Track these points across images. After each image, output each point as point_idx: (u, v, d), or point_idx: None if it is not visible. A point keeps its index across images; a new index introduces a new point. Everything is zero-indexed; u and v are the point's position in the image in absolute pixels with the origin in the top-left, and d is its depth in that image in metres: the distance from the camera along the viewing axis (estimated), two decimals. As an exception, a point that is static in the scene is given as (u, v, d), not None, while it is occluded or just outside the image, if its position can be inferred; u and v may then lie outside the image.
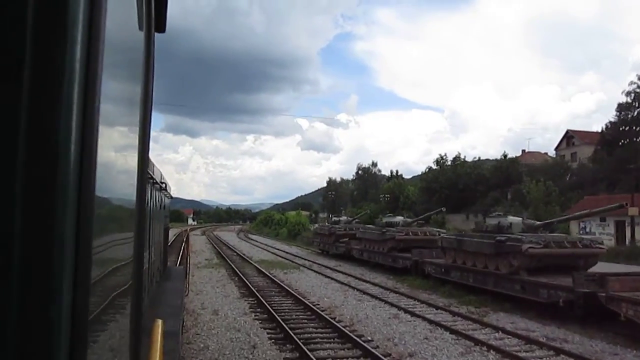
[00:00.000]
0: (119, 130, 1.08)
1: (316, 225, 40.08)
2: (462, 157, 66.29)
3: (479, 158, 64.72)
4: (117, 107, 1.03)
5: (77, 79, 0.67)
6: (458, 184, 62.67)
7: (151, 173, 6.66)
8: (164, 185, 8.51)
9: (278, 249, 41.90)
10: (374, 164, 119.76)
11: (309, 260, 31.14)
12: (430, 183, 64.81)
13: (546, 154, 77.45)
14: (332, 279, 22.75)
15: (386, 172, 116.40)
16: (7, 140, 0.62)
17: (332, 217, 36.35)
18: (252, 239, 60.58)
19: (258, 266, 26.75)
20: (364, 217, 40.71)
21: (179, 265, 19.23)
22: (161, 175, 8.19)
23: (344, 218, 36.13)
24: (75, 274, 0.67)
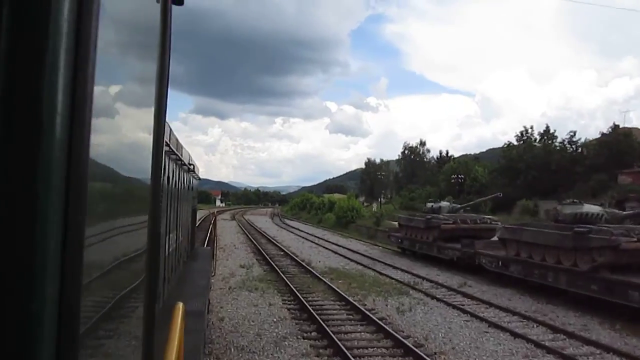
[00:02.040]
0: (126, 104, 0.98)
1: (400, 215, 28.15)
2: (552, 131, 53.14)
3: (574, 133, 51.61)
4: (123, 80, 0.95)
5: (65, 41, 0.59)
6: (550, 164, 49.90)
7: (179, 155, 6.53)
8: (192, 167, 8.51)
9: (336, 245, 30.55)
10: (422, 143, 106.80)
11: (405, 271, 19.64)
12: (512, 162, 52.07)
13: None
14: (488, 322, 11.26)
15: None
16: None
17: (427, 203, 24.22)
18: (292, 227, 49.43)
19: (331, 284, 15.52)
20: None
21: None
22: (189, 156, 8.26)
23: (445, 204, 24.44)
24: (63, 265, 0.60)
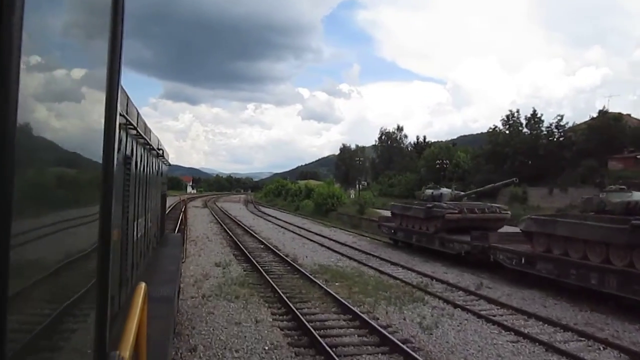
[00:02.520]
0: (69, 88, 0.95)
1: (393, 203, 25.39)
2: (539, 115, 51.14)
3: (561, 117, 49.67)
4: (65, 62, 0.91)
5: None
6: (538, 149, 48.08)
7: (148, 140, 6.37)
8: (161, 152, 8.41)
9: (320, 235, 27.74)
10: (400, 128, 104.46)
11: (407, 268, 16.96)
12: (499, 147, 50.03)
13: (629, 115, 62.45)
14: (541, 343, 8.59)
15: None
16: None
17: (425, 189, 21.35)
18: (269, 215, 46.39)
19: (328, 289, 12.69)
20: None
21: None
22: (158, 142, 8.09)
23: (446, 191, 21.70)
24: None
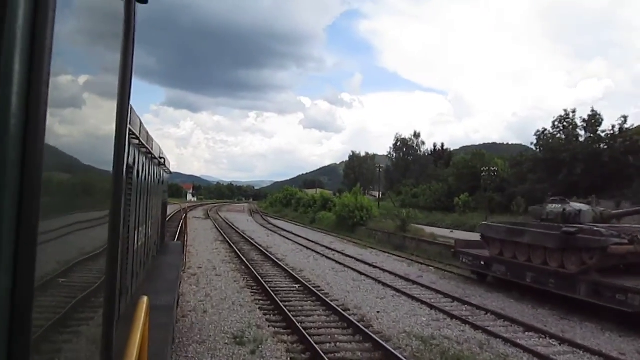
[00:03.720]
0: (86, 99, 0.97)
1: (490, 223, 17.64)
2: (598, 114, 43.71)
3: (625, 119, 42.34)
4: (83, 74, 0.94)
5: (20, 41, 0.59)
6: (600, 155, 40.87)
7: (150, 148, 6.41)
8: (162, 160, 8.35)
9: (363, 262, 20.46)
10: (417, 135, 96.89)
11: (543, 334, 9.67)
12: (554, 153, 42.71)
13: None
14: None
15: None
16: None
17: (548, 204, 13.48)
18: (282, 229, 39.03)
19: None
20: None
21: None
22: (160, 149, 8.00)
23: (585, 208, 14.18)
24: (16, 262, 0.60)
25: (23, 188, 0.60)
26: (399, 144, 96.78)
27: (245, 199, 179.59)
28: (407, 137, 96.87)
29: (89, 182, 1.05)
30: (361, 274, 17.55)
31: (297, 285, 14.63)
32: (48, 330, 0.71)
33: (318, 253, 23.65)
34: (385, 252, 25.82)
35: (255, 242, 26.56)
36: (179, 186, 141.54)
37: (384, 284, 15.50)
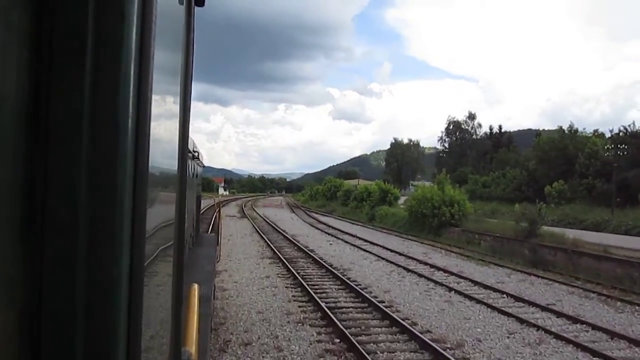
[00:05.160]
0: (165, 102, 1.09)
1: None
2: None
3: None
4: (163, 80, 1.05)
5: (133, 56, 0.70)
6: None
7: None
8: (196, 154, 8.57)
9: (542, 308, 11.60)
10: (472, 116, 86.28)
11: None
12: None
13: None
14: None
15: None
16: (73, 118, 0.66)
17: None
18: (342, 231, 30.24)
19: None
20: None
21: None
22: (194, 144, 8.20)
23: None
24: (132, 236, 0.71)
25: (136, 178, 0.71)
26: (451, 127, 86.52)
27: (277, 192, 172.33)
28: (460, 120, 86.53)
29: (169, 179, 1.15)
30: (548, 332, 8.61)
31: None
32: (147, 311, 0.80)
33: (431, 280, 14.77)
34: (520, 271, 16.78)
35: (322, 259, 17.88)
36: (210, 180, 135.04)
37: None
